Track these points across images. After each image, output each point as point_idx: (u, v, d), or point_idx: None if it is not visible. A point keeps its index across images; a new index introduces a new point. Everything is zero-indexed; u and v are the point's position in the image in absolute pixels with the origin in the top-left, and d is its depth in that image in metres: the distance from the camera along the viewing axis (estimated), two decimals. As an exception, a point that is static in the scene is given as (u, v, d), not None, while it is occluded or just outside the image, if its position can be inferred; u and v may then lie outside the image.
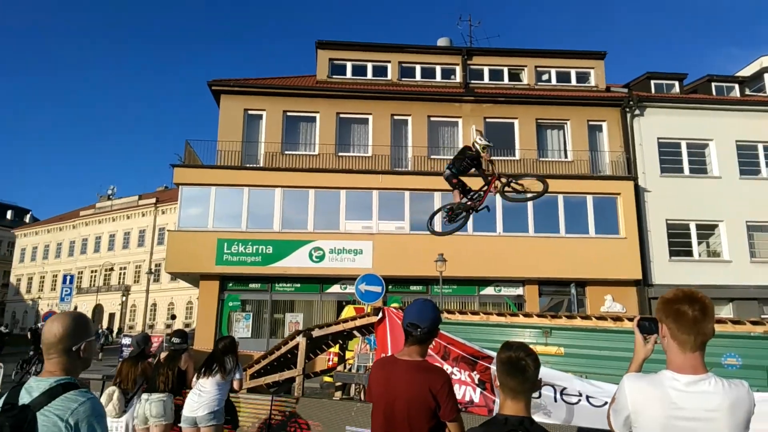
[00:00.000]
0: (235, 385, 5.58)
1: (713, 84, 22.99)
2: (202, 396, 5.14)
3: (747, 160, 20.68)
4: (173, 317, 47.98)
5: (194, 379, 5.32)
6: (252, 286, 19.11)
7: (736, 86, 23.10)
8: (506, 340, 2.36)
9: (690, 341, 2.01)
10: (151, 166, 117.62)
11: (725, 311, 18.86)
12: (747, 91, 23.64)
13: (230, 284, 19.03)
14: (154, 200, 55.30)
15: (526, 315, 7.07)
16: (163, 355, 5.70)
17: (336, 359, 11.81)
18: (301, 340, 8.22)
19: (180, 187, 19.14)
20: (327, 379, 13.01)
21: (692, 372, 2.00)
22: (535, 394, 6.29)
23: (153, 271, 46.20)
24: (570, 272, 18.43)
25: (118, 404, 5.61)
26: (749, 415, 1.96)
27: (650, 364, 2.29)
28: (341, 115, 20.67)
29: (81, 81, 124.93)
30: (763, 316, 16.11)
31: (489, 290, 19.46)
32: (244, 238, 18.57)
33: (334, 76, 21.84)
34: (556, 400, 6.19)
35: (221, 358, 5.25)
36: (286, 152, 20.08)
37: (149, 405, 5.40)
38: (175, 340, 5.69)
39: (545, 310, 18.09)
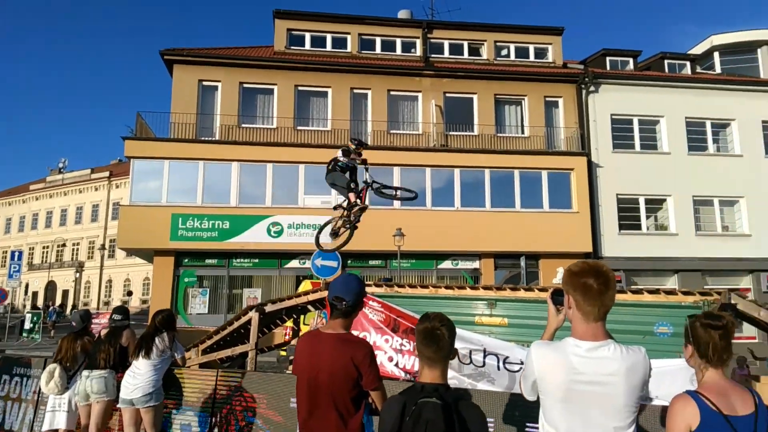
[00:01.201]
0: (178, 362, 5.55)
1: (666, 61, 23.59)
2: (137, 378, 5.08)
3: (695, 136, 21.42)
4: (129, 294, 47.07)
5: (131, 358, 5.26)
6: (208, 261, 18.88)
7: (688, 64, 23.76)
8: (453, 312, 2.45)
9: (594, 312, 2.11)
10: (105, 138, 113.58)
11: (671, 282, 19.74)
12: (698, 69, 24.36)
13: (186, 260, 18.75)
14: (107, 174, 53.63)
15: (473, 287, 7.24)
16: (103, 331, 5.61)
17: (291, 333, 11.88)
18: (253, 315, 8.21)
19: (132, 160, 18.60)
20: (282, 353, 13.09)
21: (593, 339, 2.11)
22: (479, 363, 6.51)
23: (107, 247, 45.05)
24: (524, 246, 18.87)
25: (60, 381, 5.53)
26: (645, 378, 2.08)
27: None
28: (300, 88, 20.33)
29: (24, 50, 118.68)
30: (706, 287, 16.95)
31: (446, 264, 19.78)
32: (199, 213, 18.25)
33: (292, 48, 21.40)
34: (499, 369, 6.42)
35: (153, 338, 5.18)
36: (243, 125, 19.69)
37: (90, 382, 5.33)
38: (116, 316, 5.60)
39: (503, 282, 18.56)
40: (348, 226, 8.67)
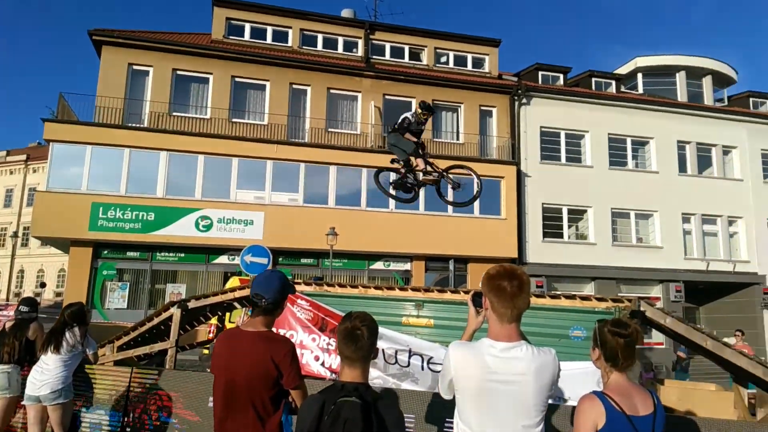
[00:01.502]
0: (90, 358, 5.28)
1: (593, 79, 24.84)
2: (44, 374, 4.79)
3: (616, 152, 22.69)
4: (43, 285, 44.17)
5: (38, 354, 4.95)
6: (130, 254, 18.04)
7: (613, 83, 25.11)
8: (381, 312, 2.45)
9: (507, 313, 2.19)
10: (23, 119, 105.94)
11: (588, 288, 20.78)
12: (622, 88, 25.82)
13: (105, 252, 17.82)
14: (24, 157, 50.13)
15: (402, 289, 7.33)
16: (8, 324, 5.24)
17: (215, 331, 11.55)
18: (175, 311, 7.92)
19: (51, 144, 17.47)
20: (205, 351, 12.73)
21: (507, 339, 2.19)
22: (404, 364, 6.60)
23: (20, 235, 42.09)
24: (454, 249, 19.30)
25: None
26: (554, 379, 2.18)
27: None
28: (237, 79, 19.83)
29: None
30: (620, 294, 17.98)
31: (378, 265, 19.90)
32: (122, 202, 17.40)
33: (230, 37, 20.84)
34: (423, 369, 6.55)
35: (63, 333, 4.90)
36: (175, 113, 18.97)
37: None
38: (23, 308, 5.25)
39: (433, 285, 18.89)
40: (412, 183, 8.09)
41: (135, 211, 17.43)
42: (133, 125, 18.38)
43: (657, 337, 19.69)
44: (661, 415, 2.30)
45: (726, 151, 24.09)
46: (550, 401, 2.25)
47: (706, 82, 26.54)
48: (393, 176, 8.58)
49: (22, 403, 5.00)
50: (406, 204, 19.20)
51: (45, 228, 17.14)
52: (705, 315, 24.18)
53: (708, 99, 26.28)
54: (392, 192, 8.87)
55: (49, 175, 17.42)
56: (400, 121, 8.15)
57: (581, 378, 5.24)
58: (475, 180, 8.47)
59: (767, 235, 23.43)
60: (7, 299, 42.31)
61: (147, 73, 19.18)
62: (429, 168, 8.32)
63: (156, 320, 7.99)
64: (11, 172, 50.15)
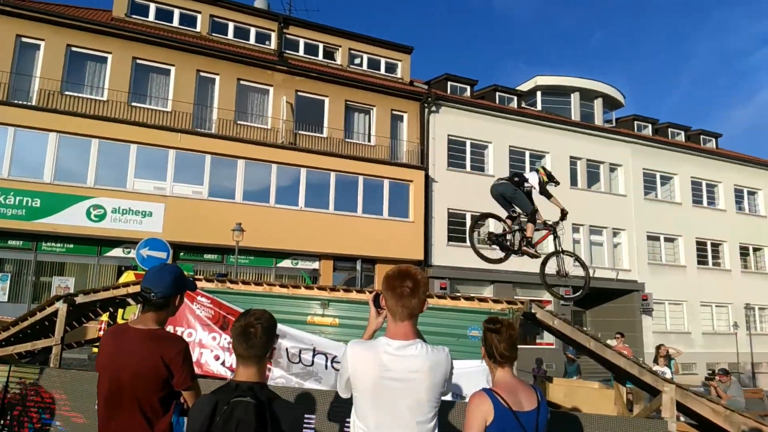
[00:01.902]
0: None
1: (497, 93, 26.09)
2: None
3: (516, 163, 23.98)
4: None
5: None
6: (12, 243, 16.46)
7: (515, 98, 26.53)
8: (287, 311, 2.41)
9: (399, 312, 2.27)
10: None
11: (488, 291, 21.80)
12: (523, 104, 27.35)
13: (-18, 239, 16.16)
14: None
15: (308, 287, 7.30)
16: None
17: (106, 328, 10.85)
18: (60, 305, 7.35)
19: None
20: (95, 349, 11.91)
21: (403, 338, 2.26)
22: (308, 363, 6.59)
23: None
24: (363, 250, 19.50)
25: None
26: (446, 375, 2.29)
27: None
28: (138, 61, 18.71)
29: None
30: (515, 297, 19.02)
31: (286, 263, 19.63)
32: (4, 186, 15.85)
33: (133, 16, 19.63)
34: (327, 368, 6.56)
35: None
36: (67, 92, 17.55)
37: None
38: None
39: (341, 284, 18.92)
40: (510, 245, 7.86)
41: (18, 196, 15.93)
42: (20, 102, 16.80)
43: (548, 338, 21.06)
44: (545, 410, 2.48)
45: (612, 168, 26.28)
46: (447, 398, 2.36)
47: (597, 104, 28.82)
48: (492, 227, 8.30)
49: None
50: (313, 202, 19.30)
51: None
52: (591, 318, 26.23)
53: (598, 119, 28.54)
54: (484, 244, 8.51)
55: None
56: (518, 178, 7.88)
57: (477, 376, 5.51)
58: (584, 272, 8.26)
59: (646, 247, 25.86)
60: None
61: (38, 46, 17.60)
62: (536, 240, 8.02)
63: (39, 315, 7.37)
64: None
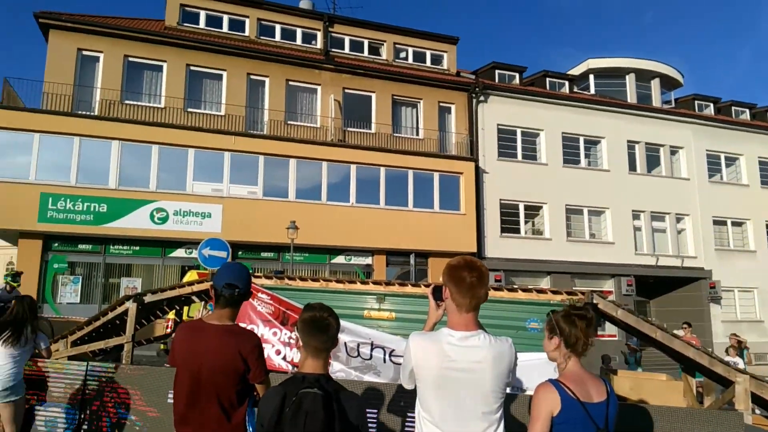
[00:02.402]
0: (43, 354, 5.09)
1: (548, 79, 25.44)
2: None
3: (570, 150, 23.36)
4: (-15, 279, 42.13)
5: None
6: (82, 247, 17.40)
7: (567, 83, 25.78)
8: (343, 305, 2.46)
9: (466, 303, 2.25)
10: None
11: (544, 282, 21.36)
12: (575, 89, 26.55)
13: (56, 244, 17.12)
14: (-38, 144, 47.46)
15: (363, 282, 7.37)
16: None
17: (173, 326, 11.33)
18: (130, 305, 7.71)
19: (-5, 131, 16.62)
20: (162, 346, 12.46)
21: (465, 329, 2.25)
22: (366, 356, 6.65)
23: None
24: (415, 244, 19.47)
25: None
26: (510, 366, 2.26)
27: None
28: (192, 68, 19.35)
29: None
30: (574, 288, 18.58)
31: (340, 259, 19.87)
32: (73, 193, 16.74)
33: (185, 24, 20.30)
34: (385, 361, 6.61)
35: (18, 326, 4.72)
36: (127, 102, 18.36)
37: None
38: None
39: (394, 279, 19.01)
40: None
41: (86, 203, 16.80)
42: (83, 113, 17.70)
43: (610, 329, 20.47)
44: (614, 402, 2.41)
45: (673, 151, 25.16)
46: (508, 390, 2.33)
47: (654, 85, 27.62)
48: None
49: None
50: (364, 198, 19.41)
51: (-11, 219, 16.33)
52: (655, 308, 25.28)
53: (656, 101, 27.36)
54: None
55: (-7, 163, 16.59)
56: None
57: (538, 368, 5.41)
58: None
59: (712, 233, 24.65)
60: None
61: (97, 59, 18.48)
62: None
63: (111, 314, 7.77)
64: (-52, 161, 47.50)
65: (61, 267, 17.17)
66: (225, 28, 20.82)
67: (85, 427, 5.06)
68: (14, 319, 4.74)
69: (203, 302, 9.63)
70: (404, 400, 4.63)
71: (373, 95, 21.32)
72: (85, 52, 18.34)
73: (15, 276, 7.62)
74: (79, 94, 17.94)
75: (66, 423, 5.10)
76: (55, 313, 16.46)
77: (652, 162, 24.77)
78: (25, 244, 16.74)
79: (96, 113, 17.85)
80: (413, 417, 4.61)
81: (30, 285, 16.28)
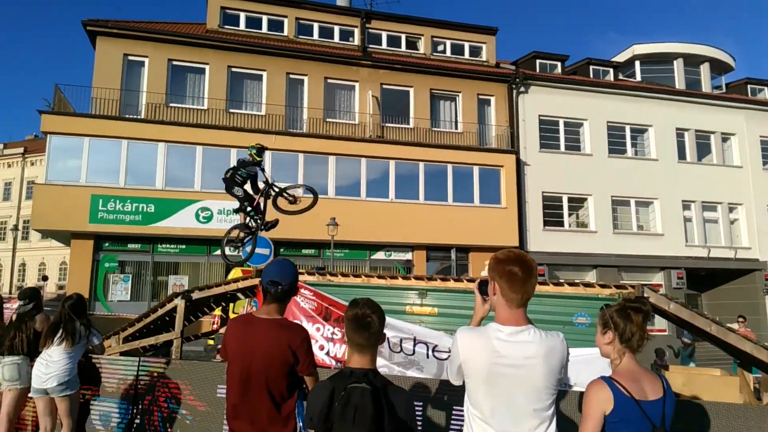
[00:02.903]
0: (96, 350, 5.27)
1: (591, 67, 24.74)
2: (49, 366, 4.79)
3: (615, 140, 22.68)
4: (44, 278, 44.19)
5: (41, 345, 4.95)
6: (131, 246, 18.02)
7: (611, 71, 25.02)
8: (384, 301, 2.47)
9: (516, 298, 2.19)
10: (20, 111, 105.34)
11: (590, 276, 20.85)
12: (620, 76, 25.74)
13: (106, 244, 17.79)
14: (21, 150, 49.97)
15: (405, 278, 7.34)
16: (14, 316, 5.24)
17: (219, 322, 11.60)
18: (179, 302, 7.92)
19: (48, 136, 17.37)
20: (210, 342, 12.77)
21: (515, 324, 2.18)
22: (409, 352, 6.63)
23: (21, 228, 42.02)
24: (455, 238, 19.32)
25: None
26: (562, 362, 2.18)
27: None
28: (233, 69, 19.71)
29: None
30: (621, 281, 18.05)
31: (380, 255, 19.92)
32: (122, 194, 17.35)
33: (226, 27, 20.69)
34: (428, 357, 6.57)
35: (69, 324, 4.90)
36: (171, 104, 18.86)
37: (2, 368, 4.98)
38: (20, 302, 5.24)
39: (434, 274, 18.93)
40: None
41: (135, 203, 17.38)
42: (130, 116, 18.28)
43: (660, 324, 19.81)
44: (671, 399, 2.30)
45: (725, 138, 24.10)
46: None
47: (704, 70, 26.48)
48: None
49: (30, 395, 5.01)
50: (403, 193, 19.34)
51: (45, 221, 17.10)
52: (707, 302, 24.32)
53: (706, 86, 26.24)
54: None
55: (48, 167, 17.35)
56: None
57: (587, 364, 5.26)
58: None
59: (767, 222, 23.51)
60: (10, 292, 42.33)
61: (142, 63, 19.06)
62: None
63: (161, 311, 8.00)
64: (9, 165, 50.01)
65: (111, 266, 17.82)
66: (264, 29, 21.12)
67: (137, 421, 5.22)
68: (63, 319, 4.93)
69: (248, 299, 9.81)
70: (448, 395, 4.59)
71: (411, 90, 21.23)
72: (131, 57, 18.93)
73: (260, 150, 8.08)
74: (126, 98, 18.55)
75: (119, 417, 5.27)
76: (107, 310, 17.13)
77: (703, 150, 23.80)
78: (78, 244, 17.44)
79: (142, 116, 18.42)
80: (458, 412, 4.56)
81: (82, 284, 16.99)
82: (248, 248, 8.70)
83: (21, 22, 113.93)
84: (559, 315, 6.35)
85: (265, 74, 19.90)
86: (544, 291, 6.57)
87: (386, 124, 20.67)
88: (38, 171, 45.56)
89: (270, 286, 2.75)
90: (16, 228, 39.87)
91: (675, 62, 26.20)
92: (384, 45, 22.40)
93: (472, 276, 16.84)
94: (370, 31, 22.28)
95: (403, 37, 22.75)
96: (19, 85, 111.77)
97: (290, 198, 8.51)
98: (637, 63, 26.55)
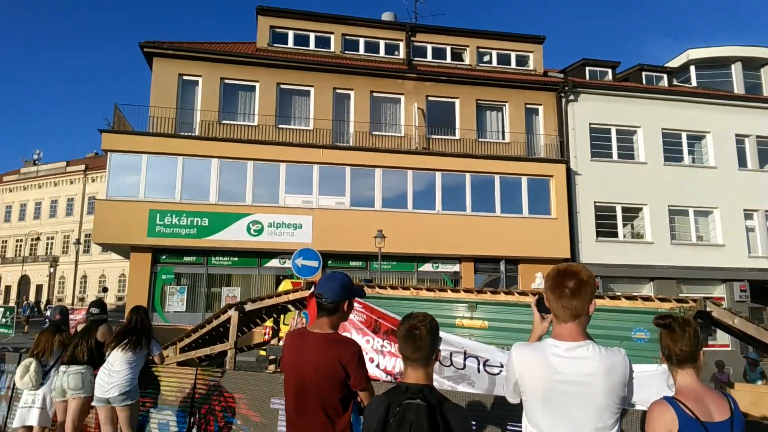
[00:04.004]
0: (156, 360, 5.46)
1: (644, 73, 24.03)
2: (112, 376, 4.98)
3: (671, 147, 21.87)
4: (104, 290, 46.23)
5: (105, 354, 5.15)
6: (186, 259, 18.63)
7: (665, 76, 24.24)
8: (433, 314, 2.44)
9: (560, 313, 2.13)
10: (81, 130, 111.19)
11: (646, 289, 20.09)
12: (675, 82, 24.89)
13: (163, 257, 18.47)
14: (83, 167, 52.62)
15: (454, 290, 7.27)
16: (80, 326, 5.50)
17: (271, 333, 11.79)
18: (233, 313, 8.12)
19: (109, 153, 18.25)
20: (262, 352, 12.98)
21: (571, 339, 2.12)
22: (460, 366, 6.54)
23: (82, 241, 44.14)
24: (504, 250, 19.03)
25: (35, 376, 5.41)
26: (625, 378, 2.10)
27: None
28: (282, 86, 20.21)
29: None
30: (681, 294, 17.31)
31: (427, 267, 19.83)
32: (178, 209, 17.99)
33: (275, 45, 21.28)
34: (479, 371, 6.45)
35: (133, 334, 5.10)
36: (224, 121, 19.50)
37: (67, 377, 5.22)
38: (94, 310, 5.49)
39: (483, 286, 18.66)
40: None
41: (190, 217, 17.98)
42: (186, 134, 19.00)
43: (722, 338, 18.88)
44: (740, 420, 2.18)
45: (789, 143, 22.87)
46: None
47: (765, 73, 25.33)
48: None
49: (93, 404, 5.22)
50: (450, 205, 19.25)
51: (106, 235, 17.91)
52: (773, 315, 22.99)
53: (767, 90, 25.02)
54: None
55: (108, 183, 18.19)
56: None
57: (648, 381, 5.05)
58: None
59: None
60: (72, 304, 44.45)
61: (197, 82, 19.79)
62: None
63: (215, 322, 8.22)
64: (71, 182, 52.66)
65: (168, 278, 18.46)
66: (312, 46, 21.59)
67: (194, 430, 5.36)
68: (133, 327, 5.13)
69: (297, 311, 9.95)
70: (502, 412, 4.49)
71: (457, 101, 21.18)
72: (185, 77, 19.71)
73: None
74: (181, 116, 19.29)
75: (177, 426, 5.42)
76: (164, 321, 17.74)
77: (765, 156, 22.65)
78: (137, 257, 18.17)
79: (197, 134, 19.10)
80: (513, 428, 4.46)
81: (141, 295, 17.67)
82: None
83: (83, 45, 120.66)
84: (616, 330, 6.12)
85: (312, 90, 20.30)
86: (600, 305, 6.35)
87: (432, 136, 20.68)
88: (99, 187, 47.96)
89: (316, 297, 2.79)
90: (78, 242, 41.93)
91: (733, 66, 25.17)
92: (429, 57, 22.48)
93: (522, 288, 16.52)
94: (415, 44, 22.41)
95: (448, 48, 22.76)
96: (80, 106, 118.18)
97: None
98: (692, 68, 25.65)
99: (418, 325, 2.27)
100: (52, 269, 48.95)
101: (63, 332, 5.69)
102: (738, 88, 24.69)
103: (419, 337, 2.25)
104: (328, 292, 2.77)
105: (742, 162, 22.11)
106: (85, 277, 50.24)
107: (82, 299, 47.68)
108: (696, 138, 22.34)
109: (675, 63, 26.02)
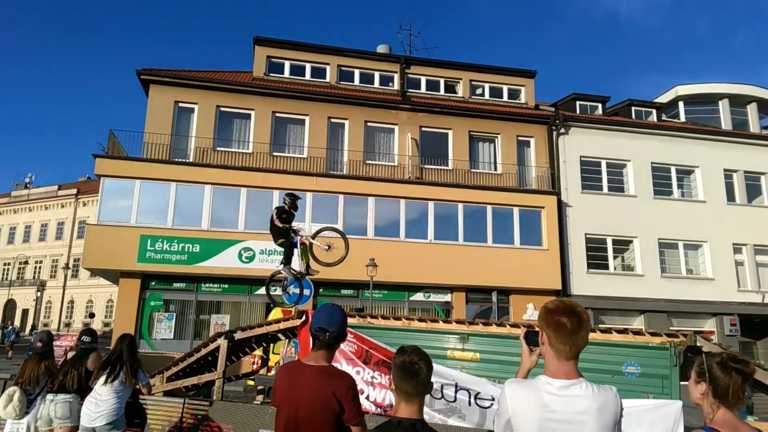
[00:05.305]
0: (144, 390, 5.38)
1: (633, 108, 24.49)
2: (99, 405, 4.90)
3: (661, 181, 22.16)
4: (92, 315, 45.48)
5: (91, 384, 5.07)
6: (176, 285, 18.46)
7: (654, 112, 24.70)
8: (425, 345, 2.44)
9: (565, 351, 2.13)
10: (73, 154, 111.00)
11: (637, 322, 20.07)
12: (663, 117, 25.35)
13: (153, 283, 18.29)
14: (74, 191, 52.39)
15: (446, 321, 7.26)
16: (70, 354, 5.42)
17: (260, 362, 11.64)
18: (222, 342, 8.05)
19: (102, 178, 18.24)
20: (250, 382, 12.77)
21: (565, 377, 2.12)
22: (450, 398, 6.48)
23: (71, 266, 43.67)
24: (495, 281, 19.02)
25: (19, 405, 5.29)
26: (616, 416, 2.10)
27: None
28: (277, 115, 20.41)
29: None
30: (671, 328, 17.30)
31: (418, 296, 19.76)
32: (169, 235, 17.92)
33: (271, 74, 21.55)
34: (470, 404, 6.39)
35: (120, 363, 5.03)
36: (218, 148, 19.59)
37: (54, 406, 5.13)
38: (85, 338, 5.42)
39: (474, 317, 18.58)
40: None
41: (181, 243, 17.90)
42: (180, 160, 19.04)
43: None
44: None
45: (776, 179, 23.24)
46: None
47: (751, 110, 25.84)
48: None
49: None
50: (442, 234, 19.34)
51: (96, 260, 17.75)
52: (763, 350, 22.96)
53: (754, 126, 25.53)
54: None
55: (100, 208, 18.12)
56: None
57: (636, 417, 5.04)
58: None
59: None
60: (58, 329, 43.71)
61: (192, 110, 19.94)
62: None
63: (204, 351, 8.13)
64: (62, 206, 52.36)
65: (157, 305, 18.25)
66: (308, 76, 21.88)
67: (181, 461, 5.25)
68: (117, 357, 5.07)
69: (287, 339, 9.85)
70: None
71: (450, 132, 21.44)
72: (181, 104, 19.87)
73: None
74: (176, 142, 19.37)
75: (164, 457, 5.32)
76: (151, 348, 17.47)
77: (753, 191, 22.99)
78: (126, 283, 17.99)
79: (191, 160, 19.15)
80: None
81: (128, 321, 17.42)
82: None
83: (78, 70, 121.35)
84: (607, 364, 6.13)
85: (307, 119, 20.50)
86: (591, 338, 6.35)
87: (425, 166, 20.86)
88: (90, 211, 47.69)
89: (318, 332, 2.75)
90: (67, 266, 41.46)
91: (720, 103, 25.68)
92: (423, 89, 22.83)
93: (513, 320, 16.47)
94: (410, 76, 22.79)
95: (442, 81, 23.16)
96: (72, 130, 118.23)
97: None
98: (681, 104, 26.14)
99: (417, 361, 2.26)
100: (39, 293, 48.28)
101: (49, 360, 5.60)
102: (726, 123, 25.18)
103: (419, 373, 2.24)
104: (333, 327, 2.76)
105: (730, 196, 22.42)
106: (72, 302, 49.56)
107: (68, 324, 46.90)
108: (685, 172, 22.68)
109: (664, 98, 26.53)
